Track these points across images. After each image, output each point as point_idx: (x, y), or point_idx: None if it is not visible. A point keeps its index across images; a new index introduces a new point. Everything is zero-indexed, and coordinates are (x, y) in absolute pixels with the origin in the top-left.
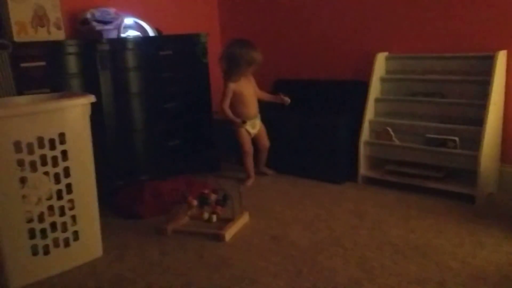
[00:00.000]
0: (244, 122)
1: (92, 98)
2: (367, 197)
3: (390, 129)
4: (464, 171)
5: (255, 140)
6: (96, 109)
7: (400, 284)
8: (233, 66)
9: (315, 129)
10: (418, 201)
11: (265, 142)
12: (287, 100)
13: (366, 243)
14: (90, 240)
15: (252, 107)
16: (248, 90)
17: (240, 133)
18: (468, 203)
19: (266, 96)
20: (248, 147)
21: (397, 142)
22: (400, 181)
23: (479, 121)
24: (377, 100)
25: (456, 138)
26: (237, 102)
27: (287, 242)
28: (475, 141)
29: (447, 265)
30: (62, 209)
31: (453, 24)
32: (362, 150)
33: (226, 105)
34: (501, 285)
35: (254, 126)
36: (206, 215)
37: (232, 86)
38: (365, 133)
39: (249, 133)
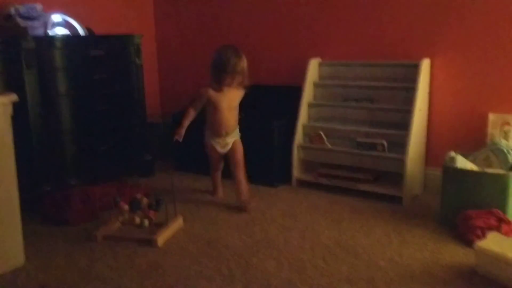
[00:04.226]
0: (177, 141)
1: (13, 97)
2: (300, 199)
3: (322, 133)
4: (392, 174)
5: (227, 159)
6: (21, 110)
7: (332, 284)
8: (213, 73)
9: (251, 133)
10: (349, 203)
11: (237, 161)
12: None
13: (299, 244)
14: (11, 247)
15: (225, 124)
16: (228, 103)
17: (206, 144)
18: (396, 204)
19: None
20: (214, 162)
21: (329, 146)
22: (333, 183)
23: (406, 126)
24: (310, 105)
25: (385, 142)
26: (210, 113)
27: (222, 245)
28: (402, 145)
29: (376, 264)
30: None
31: (382, 33)
32: (296, 154)
33: (191, 108)
34: (427, 281)
35: (224, 146)
36: (138, 220)
37: (208, 92)
38: (298, 137)
39: (216, 150)
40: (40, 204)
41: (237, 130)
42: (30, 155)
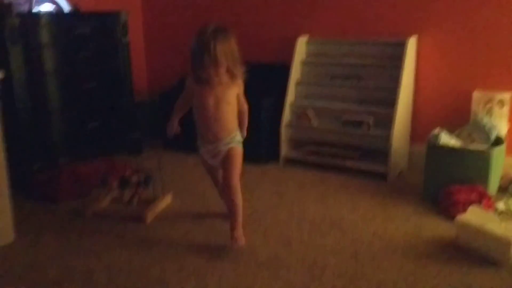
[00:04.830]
0: (173, 136)
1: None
2: (288, 177)
3: (309, 112)
4: (378, 151)
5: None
6: (6, 87)
7: (317, 257)
8: (191, 62)
9: None
10: (336, 179)
11: (226, 178)
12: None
13: (286, 220)
14: (0, 225)
15: (214, 127)
16: (216, 100)
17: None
18: (381, 180)
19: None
20: (210, 176)
21: (316, 124)
22: (319, 161)
23: (392, 103)
24: (297, 83)
25: (370, 120)
26: (195, 110)
27: (210, 222)
28: (388, 122)
29: (360, 238)
30: None
31: (369, 10)
32: (284, 132)
33: (180, 100)
34: (409, 254)
35: (215, 156)
36: (127, 197)
37: (191, 83)
38: (286, 115)
39: (205, 161)
40: (30, 182)
41: (236, 136)
42: (17, 133)
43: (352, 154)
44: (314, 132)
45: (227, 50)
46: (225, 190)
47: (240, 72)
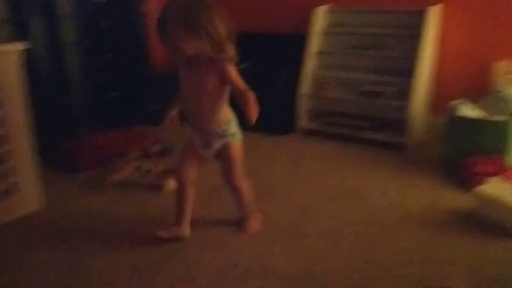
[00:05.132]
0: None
1: (24, 45)
2: (305, 148)
3: (328, 82)
4: (396, 122)
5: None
6: (27, 59)
7: (336, 226)
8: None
9: (256, 82)
10: (354, 150)
11: (230, 178)
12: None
13: (303, 191)
14: (30, 192)
15: (195, 112)
16: (195, 83)
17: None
18: (400, 151)
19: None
20: (181, 173)
21: (335, 94)
22: (337, 132)
23: (412, 74)
24: (316, 53)
25: (390, 90)
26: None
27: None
28: (407, 93)
29: (377, 208)
30: None
31: None
32: (302, 103)
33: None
34: (426, 224)
35: (205, 147)
36: (147, 167)
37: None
38: (304, 86)
39: (195, 152)
40: (52, 152)
41: (230, 127)
42: (39, 104)
43: (370, 125)
44: (332, 102)
45: (206, 21)
46: (229, 190)
47: (227, 53)
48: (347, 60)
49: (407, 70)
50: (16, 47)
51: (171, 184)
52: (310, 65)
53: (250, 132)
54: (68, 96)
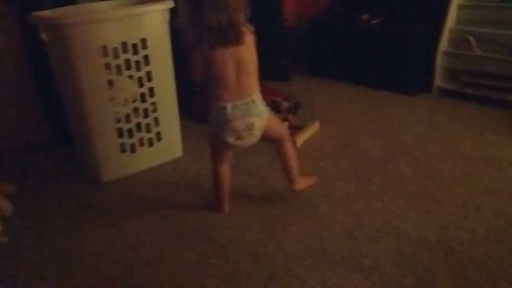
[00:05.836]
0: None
1: (170, 3)
2: (441, 109)
3: (471, 38)
4: None
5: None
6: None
7: (470, 194)
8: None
9: (389, 37)
10: (496, 114)
11: (275, 136)
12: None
13: (438, 154)
14: (171, 140)
15: (236, 89)
16: (230, 56)
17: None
18: None
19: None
20: (216, 162)
21: (478, 52)
22: (478, 93)
23: None
24: (460, 7)
25: None
26: (207, 71)
27: (357, 150)
28: None
29: None
30: (145, 111)
31: None
32: (440, 61)
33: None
34: None
35: (242, 135)
36: None
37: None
38: (443, 42)
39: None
40: (190, 104)
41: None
42: (179, 58)
43: None
44: (474, 61)
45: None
46: (277, 148)
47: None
48: (495, 15)
49: None
50: (163, 6)
51: (301, 139)
52: (451, 19)
53: (380, 91)
54: None
